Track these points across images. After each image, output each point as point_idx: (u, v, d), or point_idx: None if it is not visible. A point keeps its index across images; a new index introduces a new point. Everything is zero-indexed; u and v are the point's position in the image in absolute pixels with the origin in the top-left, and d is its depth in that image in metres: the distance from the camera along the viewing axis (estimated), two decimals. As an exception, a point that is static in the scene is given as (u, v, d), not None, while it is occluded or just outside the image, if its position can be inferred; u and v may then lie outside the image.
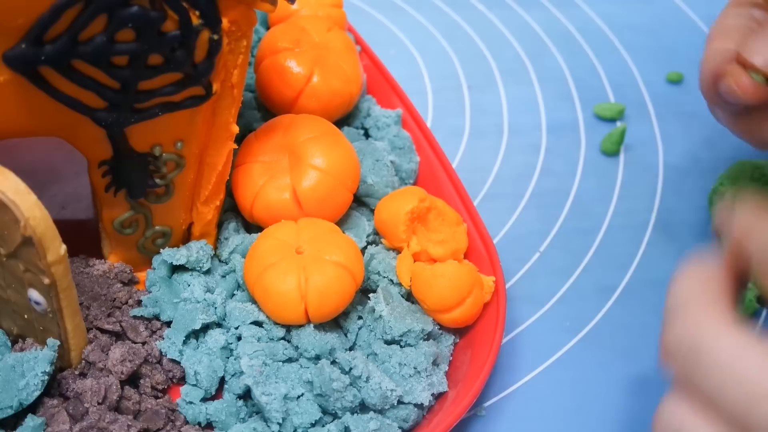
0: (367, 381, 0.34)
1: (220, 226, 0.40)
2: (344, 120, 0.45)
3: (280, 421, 0.33)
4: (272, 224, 0.38)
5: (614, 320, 0.41)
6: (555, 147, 0.50)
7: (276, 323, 0.36)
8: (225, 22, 0.30)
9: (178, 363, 0.36)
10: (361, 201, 0.41)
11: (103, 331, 0.35)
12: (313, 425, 0.34)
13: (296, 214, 0.38)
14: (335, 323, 0.37)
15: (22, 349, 0.33)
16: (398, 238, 0.38)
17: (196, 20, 0.29)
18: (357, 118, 0.45)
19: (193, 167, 0.35)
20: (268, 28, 0.48)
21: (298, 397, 0.34)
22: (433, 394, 0.35)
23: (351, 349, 0.37)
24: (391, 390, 0.34)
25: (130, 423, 0.32)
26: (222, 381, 0.36)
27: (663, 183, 0.48)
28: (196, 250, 0.37)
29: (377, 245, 0.40)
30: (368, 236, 0.40)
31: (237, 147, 0.36)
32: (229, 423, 0.34)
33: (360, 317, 0.37)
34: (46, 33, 0.27)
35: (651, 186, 0.48)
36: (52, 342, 0.32)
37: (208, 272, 0.38)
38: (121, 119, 0.31)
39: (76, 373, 0.34)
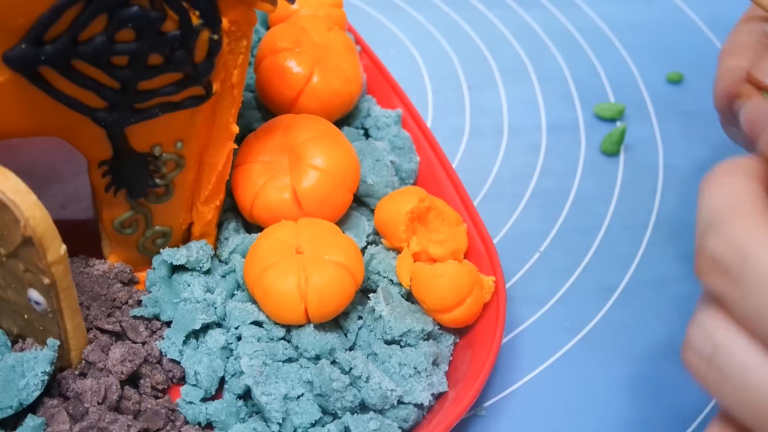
0: (367, 381, 0.34)
1: (220, 226, 0.40)
2: (344, 120, 0.45)
3: (280, 421, 0.33)
4: (272, 224, 0.38)
5: (614, 320, 0.41)
6: (555, 147, 0.50)
7: (276, 323, 0.36)
8: (225, 22, 0.30)
9: (178, 363, 0.36)
10: (361, 201, 0.41)
11: (103, 331, 0.35)
12: (313, 425, 0.34)
13: (296, 214, 0.38)
14: (335, 323, 0.37)
15: (22, 349, 0.33)
16: (398, 238, 0.38)
17: (196, 20, 0.29)
18: (357, 118, 0.45)
19: (193, 167, 0.35)
20: (268, 28, 0.48)
21: (298, 397, 0.34)
22: (433, 394, 0.35)
23: (351, 349, 0.37)
24: (391, 390, 0.34)
25: (130, 423, 0.32)
26: (222, 381, 0.36)
27: (663, 183, 0.48)
28: (196, 250, 0.37)
29: (377, 245, 0.40)
30: (368, 236, 0.40)
31: (237, 147, 0.36)
32: (229, 423, 0.34)
33: (360, 317, 0.37)
34: (46, 33, 0.27)
35: (651, 186, 0.48)
36: (52, 342, 0.32)
37: (208, 272, 0.38)
38: (121, 119, 0.31)
39: (76, 373, 0.34)
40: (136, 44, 0.29)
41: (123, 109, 0.31)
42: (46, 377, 0.32)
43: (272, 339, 0.36)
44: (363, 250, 0.39)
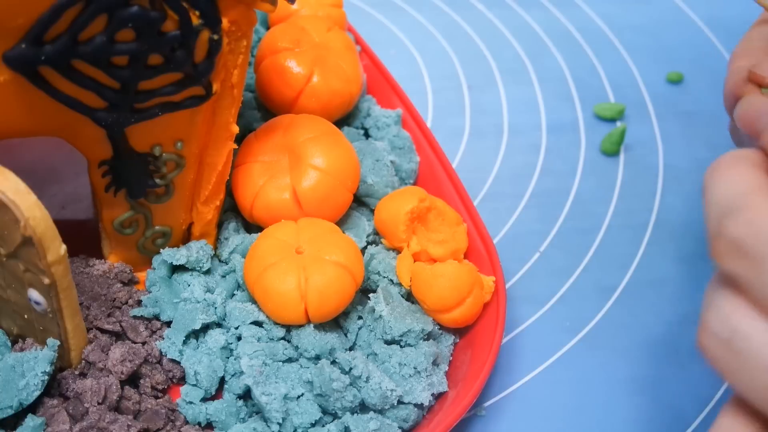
0: (367, 381, 0.34)
1: (220, 226, 0.40)
2: (344, 120, 0.45)
3: (280, 421, 0.33)
4: (272, 224, 0.38)
5: (614, 320, 0.41)
6: (555, 147, 0.50)
7: (276, 323, 0.36)
8: (225, 22, 0.30)
9: (178, 363, 0.36)
10: (361, 201, 0.41)
11: (103, 331, 0.35)
12: (313, 425, 0.34)
13: (296, 214, 0.38)
14: (335, 323, 0.37)
15: (22, 349, 0.33)
16: (398, 238, 0.38)
17: (196, 20, 0.29)
18: (357, 118, 0.45)
19: (193, 167, 0.35)
20: (268, 28, 0.48)
21: (298, 397, 0.34)
22: (433, 394, 0.35)
23: (351, 349, 0.37)
24: (391, 390, 0.34)
25: (130, 423, 0.32)
26: (222, 381, 0.36)
27: (663, 183, 0.48)
28: (196, 250, 0.37)
29: (377, 245, 0.40)
30: (368, 236, 0.40)
31: (237, 147, 0.36)
32: (229, 423, 0.34)
33: (360, 317, 0.37)
34: (46, 33, 0.27)
35: (651, 186, 0.48)
36: (52, 342, 0.32)
37: (208, 272, 0.38)
38: (121, 119, 0.31)
39: (76, 373, 0.34)
40: (136, 44, 0.29)
41: (123, 109, 0.31)
42: (46, 377, 0.32)
43: (272, 339, 0.36)
44: (363, 250, 0.39)
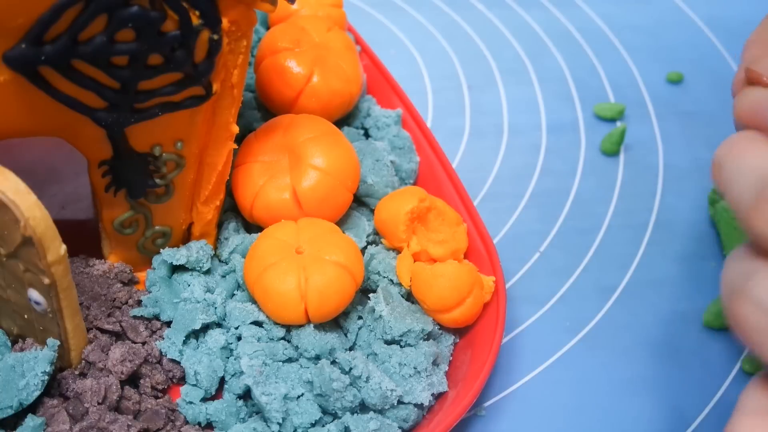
0: (367, 381, 0.34)
1: (220, 226, 0.40)
2: (344, 120, 0.45)
3: (280, 421, 0.33)
4: (272, 224, 0.38)
5: (614, 320, 0.41)
6: (555, 147, 0.50)
7: (276, 323, 0.36)
8: (225, 22, 0.30)
9: (178, 363, 0.36)
10: (361, 201, 0.41)
11: (103, 331, 0.35)
12: (313, 425, 0.34)
13: (296, 214, 0.38)
14: (335, 323, 0.37)
15: (22, 349, 0.33)
16: (398, 238, 0.38)
17: (196, 20, 0.29)
18: (357, 118, 0.45)
19: (193, 167, 0.35)
20: (268, 28, 0.48)
21: (298, 397, 0.34)
22: (433, 394, 0.35)
23: (351, 349, 0.37)
24: (391, 390, 0.34)
25: (130, 423, 0.32)
26: (222, 381, 0.36)
27: (663, 183, 0.48)
28: (196, 250, 0.37)
29: (377, 245, 0.40)
30: (368, 236, 0.40)
31: (237, 147, 0.36)
32: (229, 423, 0.34)
33: (360, 317, 0.37)
34: (46, 33, 0.27)
35: (651, 186, 0.48)
36: (52, 342, 0.32)
37: (208, 272, 0.38)
38: (121, 119, 0.31)
39: (76, 373, 0.34)
40: (136, 44, 0.29)
41: (123, 109, 0.31)
42: (46, 377, 0.32)
43: (272, 339, 0.36)
44: (363, 250, 0.39)
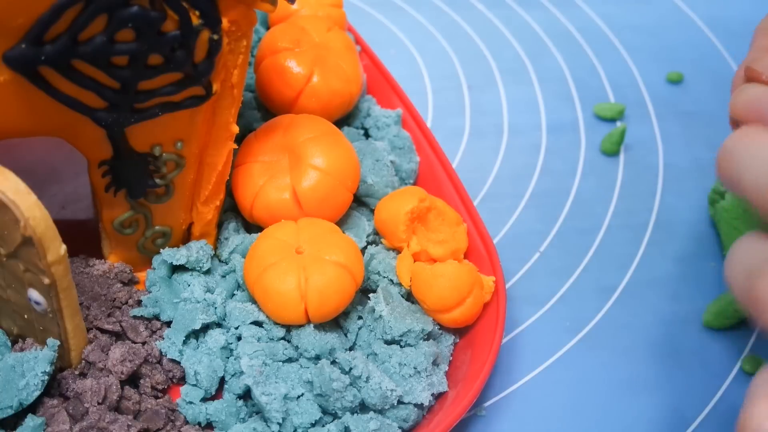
0: (367, 381, 0.34)
1: (220, 226, 0.40)
2: (344, 120, 0.45)
3: (280, 421, 0.33)
4: (272, 224, 0.38)
5: (614, 320, 0.41)
6: (555, 147, 0.50)
7: (276, 323, 0.36)
8: (225, 22, 0.30)
9: (178, 363, 0.36)
10: (361, 201, 0.41)
11: (103, 331, 0.35)
12: (313, 425, 0.34)
13: (296, 214, 0.38)
14: (335, 323, 0.37)
15: (22, 349, 0.33)
16: (398, 238, 0.38)
17: (196, 20, 0.29)
18: (357, 118, 0.45)
19: (193, 167, 0.35)
20: (268, 28, 0.48)
21: (298, 397, 0.34)
22: (433, 394, 0.35)
23: (351, 349, 0.37)
24: (391, 390, 0.34)
25: (130, 423, 0.32)
26: (222, 381, 0.36)
27: (663, 183, 0.48)
28: (196, 250, 0.37)
29: (377, 245, 0.40)
30: (368, 236, 0.40)
31: (237, 147, 0.36)
32: (229, 423, 0.34)
33: (360, 317, 0.37)
34: (46, 33, 0.27)
35: (651, 186, 0.48)
36: (52, 342, 0.32)
37: (208, 272, 0.38)
38: (121, 119, 0.31)
39: (76, 373, 0.34)
40: (136, 44, 0.29)
41: (123, 109, 0.31)
42: (46, 377, 0.32)
43: (272, 339, 0.36)
44: (363, 250, 0.39)
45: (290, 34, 0.43)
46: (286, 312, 0.35)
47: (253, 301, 0.37)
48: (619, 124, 0.51)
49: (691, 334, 0.41)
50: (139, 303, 0.37)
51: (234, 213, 0.41)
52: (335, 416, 0.34)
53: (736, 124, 0.32)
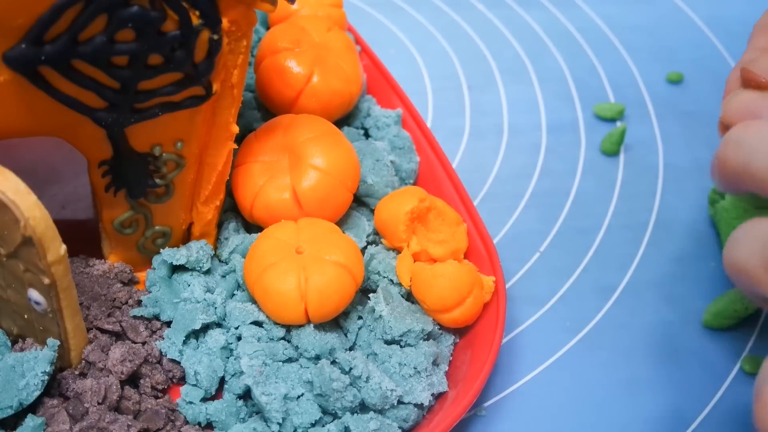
0: (367, 381, 0.34)
1: (220, 226, 0.40)
2: (344, 120, 0.45)
3: (280, 421, 0.33)
4: (272, 224, 0.38)
5: (614, 320, 0.41)
6: (555, 147, 0.50)
7: (276, 323, 0.36)
8: (225, 22, 0.30)
9: (178, 363, 0.36)
10: (361, 201, 0.41)
11: (103, 331, 0.35)
12: (313, 425, 0.34)
13: (296, 214, 0.38)
14: (335, 323, 0.37)
15: (22, 349, 0.33)
16: (398, 238, 0.38)
17: (196, 20, 0.29)
18: (357, 118, 0.45)
19: (193, 167, 0.35)
20: (268, 28, 0.48)
21: (298, 397, 0.34)
22: (433, 394, 0.35)
23: (351, 349, 0.37)
24: (391, 390, 0.34)
25: (130, 423, 0.32)
26: (222, 381, 0.36)
27: (663, 183, 0.48)
28: (196, 250, 0.37)
29: (377, 245, 0.40)
30: (368, 236, 0.40)
31: (237, 147, 0.36)
32: (229, 423, 0.34)
33: (360, 317, 0.37)
34: (46, 33, 0.27)
35: (651, 186, 0.48)
36: (52, 342, 0.32)
37: (208, 272, 0.38)
38: (121, 119, 0.31)
39: (76, 373, 0.34)
40: (136, 44, 0.29)
41: (123, 109, 0.31)
42: (46, 377, 0.32)
43: (272, 339, 0.36)
44: (363, 250, 0.39)
45: (290, 34, 0.43)
46: (286, 312, 0.35)
47: (253, 301, 0.37)
48: (619, 124, 0.51)
49: (691, 334, 0.41)
50: (139, 303, 0.37)
51: (234, 213, 0.41)
52: (335, 416, 0.34)
53: (725, 129, 0.32)
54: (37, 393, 0.32)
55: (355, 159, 0.39)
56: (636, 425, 0.37)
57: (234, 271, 0.38)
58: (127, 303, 0.37)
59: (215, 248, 0.39)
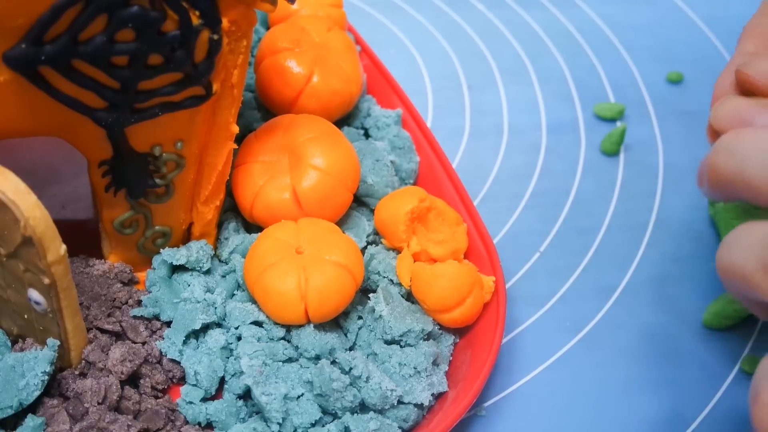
0: (367, 381, 0.34)
1: (220, 226, 0.40)
2: (344, 120, 0.45)
3: (280, 421, 0.33)
4: (272, 224, 0.38)
5: (614, 320, 0.41)
6: (555, 147, 0.50)
7: (276, 323, 0.36)
8: (225, 22, 0.30)
9: (178, 363, 0.36)
10: (361, 201, 0.41)
11: (103, 331, 0.35)
12: (313, 425, 0.34)
13: (296, 214, 0.38)
14: (335, 323, 0.37)
15: (22, 349, 0.33)
16: (398, 238, 0.38)
17: (196, 20, 0.29)
18: (357, 118, 0.45)
19: (193, 167, 0.35)
20: (268, 28, 0.48)
21: (298, 397, 0.34)
22: (433, 394, 0.35)
23: (351, 349, 0.37)
24: (391, 390, 0.34)
25: (130, 423, 0.32)
26: (222, 381, 0.36)
27: (663, 183, 0.48)
28: (196, 250, 0.37)
29: (377, 245, 0.40)
30: (368, 236, 0.40)
31: (237, 147, 0.36)
32: (229, 423, 0.34)
33: (360, 317, 0.37)
34: (46, 33, 0.27)
35: (651, 186, 0.48)
36: (52, 342, 0.32)
37: (208, 272, 0.38)
38: (121, 119, 0.31)
39: (76, 373, 0.34)
40: (136, 44, 0.29)
41: (123, 109, 0.31)
42: (46, 377, 0.32)
43: (272, 339, 0.36)
44: (363, 250, 0.39)
45: (290, 34, 0.43)
46: (286, 312, 0.35)
47: (253, 301, 0.37)
48: (619, 124, 0.51)
49: (690, 334, 0.41)
50: (139, 303, 0.37)
51: (234, 213, 0.41)
52: (335, 416, 0.34)
53: (715, 135, 0.32)
54: (37, 393, 0.32)
55: (355, 159, 0.39)
56: (636, 425, 0.37)
57: (234, 271, 0.38)
58: (127, 303, 0.37)
59: (215, 248, 0.39)
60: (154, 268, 0.38)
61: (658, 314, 0.42)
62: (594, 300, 0.42)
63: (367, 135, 0.45)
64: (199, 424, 0.34)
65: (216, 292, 0.37)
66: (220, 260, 0.39)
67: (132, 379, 0.35)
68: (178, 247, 0.38)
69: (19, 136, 0.31)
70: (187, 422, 0.34)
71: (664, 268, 0.44)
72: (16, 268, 0.30)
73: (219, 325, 0.37)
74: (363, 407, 0.34)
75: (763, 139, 0.27)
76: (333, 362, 0.35)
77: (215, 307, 0.37)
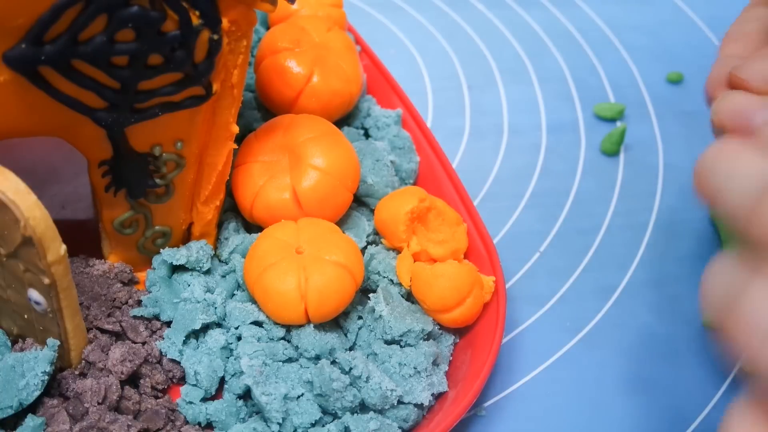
0: (367, 381, 0.34)
1: (220, 226, 0.40)
2: (344, 120, 0.45)
3: (280, 421, 0.33)
4: (272, 224, 0.38)
5: (614, 320, 0.41)
6: (555, 147, 0.50)
7: (276, 323, 0.36)
8: (225, 22, 0.30)
9: (178, 363, 0.36)
10: (361, 201, 0.41)
11: (103, 331, 0.35)
12: (313, 425, 0.34)
13: (296, 214, 0.38)
14: (335, 323, 0.37)
15: (22, 349, 0.33)
16: (398, 238, 0.38)
17: (196, 20, 0.29)
18: (357, 118, 0.45)
19: (193, 167, 0.35)
20: (268, 28, 0.48)
21: (298, 397, 0.34)
22: (433, 394, 0.35)
23: (351, 349, 0.37)
24: (391, 390, 0.34)
25: (130, 423, 0.32)
26: (222, 381, 0.36)
27: (663, 183, 0.48)
28: (196, 250, 0.37)
29: (377, 245, 0.40)
30: (368, 236, 0.40)
31: (237, 147, 0.36)
32: (229, 423, 0.34)
33: (360, 317, 0.37)
34: (46, 33, 0.27)
35: (651, 186, 0.48)
36: (52, 342, 0.32)
37: (208, 272, 0.38)
38: (121, 119, 0.31)
39: (76, 373, 0.34)
40: (136, 44, 0.29)
41: (123, 109, 0.31)
42: (46, 377, 0.32)
43: (272, 339, 0.36)
44: (363, 250, 0.39)
45: (290, 34, 0.43)
46: (286, 312, 0.35)
47: (253, 301, 0.37)
48: (619, 124, 0.51)
49: (691, 334, 0.41)
50: (139, 303, 0.37)
51: (234, 213, 0.41)
52: (335, 416, 0.34)
53: (719, 130, 0.32)
54: (37, 393, 0.32)
55: (355, 159, 0.39)
56: (636, 425, 0.37)
57: (234, 271, 0.38)
58: (127, 303, 0.37)
59: (215, 248, 0.39)
60: (154, 268, 0.38)
61: (658, 314, 0.42)
62: (594, 300, 0.42)
63: (367, 135, 0.45)
64: (199, 424, 0.34)
65: (216, 292, 0.37)
66: (220, 260, 0.39)
67: (132, 379, 0.35)
68: (178, 247, 0.38)
69: (19, 136, 0.31)
70: (187, 422, 0.34)
71: (664, 268, 0.44)
72: (16, 268, 0.30)
73: (219, 325, 0.37)
74: (363, 407, 0.34)
75: (741, 162, 0.25)
76: (333, 362, 0.35)
77: (215, 307, 0.37)
